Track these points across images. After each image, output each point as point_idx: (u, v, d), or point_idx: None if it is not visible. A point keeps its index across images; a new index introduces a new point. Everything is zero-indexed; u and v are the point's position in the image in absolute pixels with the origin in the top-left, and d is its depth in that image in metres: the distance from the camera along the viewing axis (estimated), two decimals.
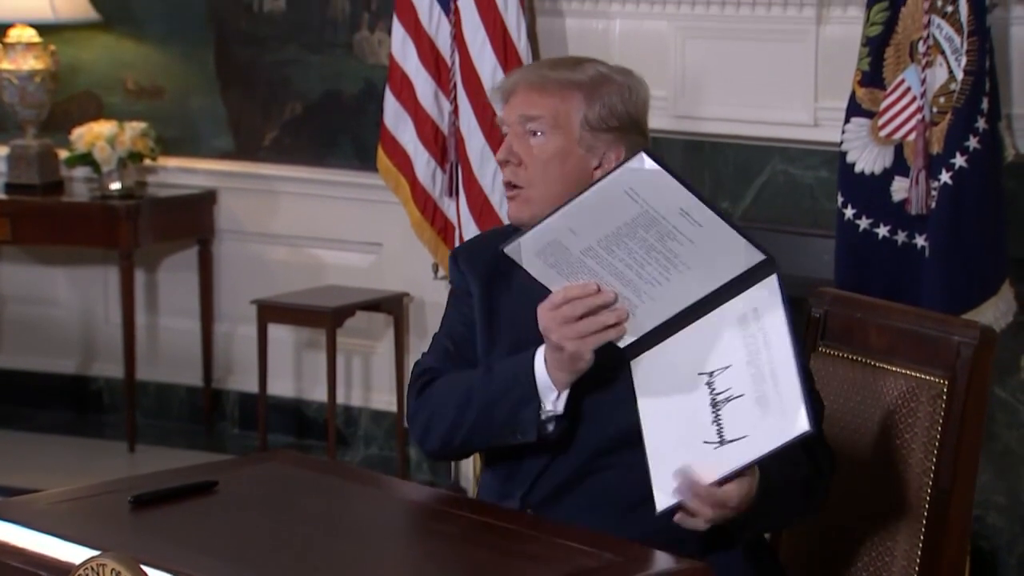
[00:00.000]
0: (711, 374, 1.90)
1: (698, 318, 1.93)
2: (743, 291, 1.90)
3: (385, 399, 4.80)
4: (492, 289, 2.20)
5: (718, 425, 1.87)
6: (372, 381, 4.86)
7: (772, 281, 1.91)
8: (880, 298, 2.48)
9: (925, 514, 2.14)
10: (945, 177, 3.32)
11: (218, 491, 2.10)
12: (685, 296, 1.92)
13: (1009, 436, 3.63)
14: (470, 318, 2.20)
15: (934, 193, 3.36)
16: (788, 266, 3.86)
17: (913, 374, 2.18)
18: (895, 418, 2.19)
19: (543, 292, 2.12)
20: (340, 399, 4.77)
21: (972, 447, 2.16)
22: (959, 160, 3.30)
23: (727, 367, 1.89)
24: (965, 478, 2.14)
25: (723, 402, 1.88)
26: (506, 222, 4.09)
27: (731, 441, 1.86)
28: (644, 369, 1.96)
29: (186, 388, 5.14)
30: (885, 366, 2.22)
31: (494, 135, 4.16)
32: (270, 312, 4.64)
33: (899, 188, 3.44)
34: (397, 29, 4.31)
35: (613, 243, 1.93)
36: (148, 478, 2.20)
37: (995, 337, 2.18)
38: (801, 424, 1.83)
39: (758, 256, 1.90)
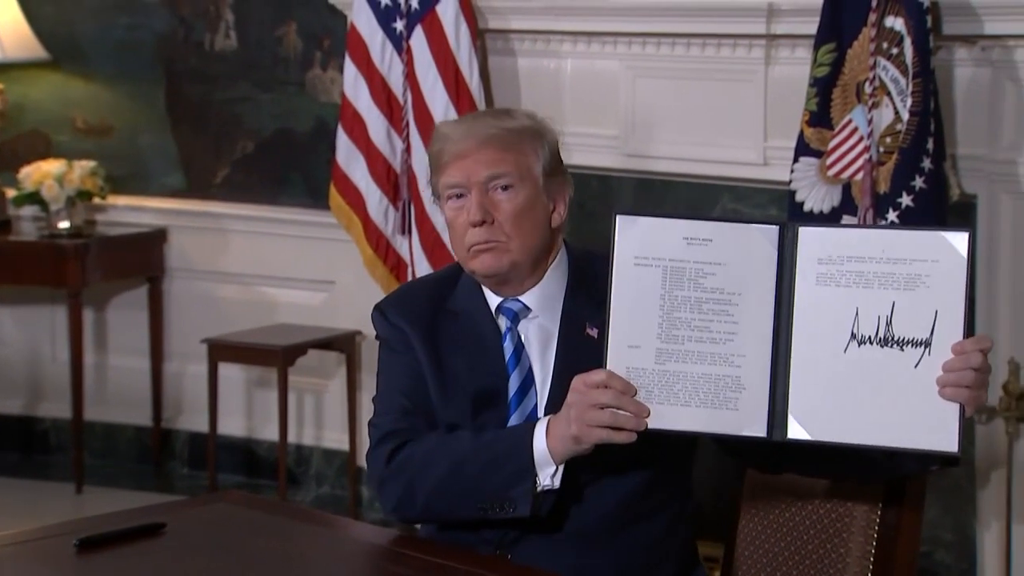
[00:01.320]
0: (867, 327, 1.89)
1: (791, 314, 1.90)
2: (795, 261, 1.90)
3: (337, 438, 4.78)
4: (435, 341, 2.17)
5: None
6: (324, 420, 4.85)
7: (805, 233, 1.90)
8: None
9: (872, 552, 2.15)
10: (892, 216, 3.37)
11: (166, 533, 2.09)
12: (763, 324, 1.91)
13: (956, 472, 3.66)
14: (417, 371, 2.17)
15: None
16: None
17: None
18: None
19: (493, 346, 2.12)
20: (291, 438, 4.76)
21: (917, 484, 2.17)
22: (906, 199, 3.36)
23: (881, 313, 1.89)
24: (911, 515, 2.14)
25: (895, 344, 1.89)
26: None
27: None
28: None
29: (135, 428, 5.10)
30: None
31: None
32: (221, 351, 4.62)
33: None
34: (349, 67, 4.33)
35: (669, 328, 1.92)
36: (95, 520, 2.18)
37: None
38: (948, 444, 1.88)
39: (773, 228, 1.91)
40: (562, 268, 2.17)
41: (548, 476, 2.01)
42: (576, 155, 4.00)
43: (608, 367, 1.94)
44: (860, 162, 3.46)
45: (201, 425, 4.83)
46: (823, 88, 3.50)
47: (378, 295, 4.52)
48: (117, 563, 2.00)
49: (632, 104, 4.10)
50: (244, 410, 4.95)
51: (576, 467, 2.03)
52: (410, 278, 4.30)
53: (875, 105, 3.43)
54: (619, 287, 1.93)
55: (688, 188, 4.07)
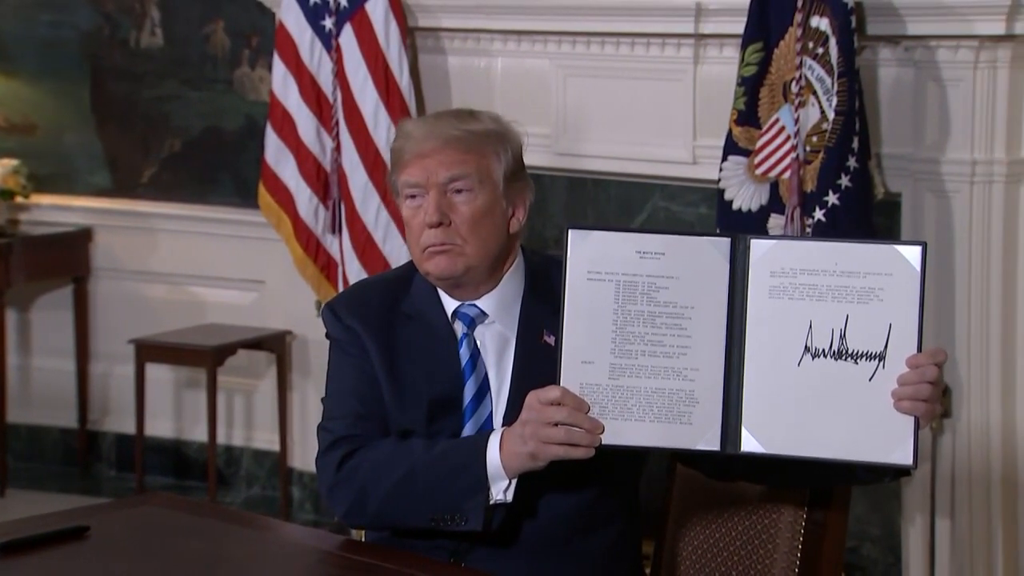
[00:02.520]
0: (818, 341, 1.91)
1: (745, 336, 1.91)
2: (747, 274, 1.92)
3: (267, 438, 4.76)
4: (389, 344, 2.14)
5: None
6: (254, 420, 4.82)
7: (757, 246, 1.92)
8: None
9: (800, 546, 2.17)
10: (819, 214, 3.41)
11: (90, 536, 2.07)
12: (716, 337, 1.92)
13: None
14: (371, 374, 2.13)
15: (809, 230, 3.45)
16: None
17: None
18: None
19: (448, 352, 2.11)
20: (221, 439, 4.72)
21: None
22: (832, 198, 3.40)
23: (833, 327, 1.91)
24: (838, 510, 2.16)
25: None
26: (391, 260, 4.15)
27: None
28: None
29: (60, 430, 5.04)
30: None
31: (377, 171, 4.17)
32: (148, 351, 4.58)
33: (775, 225, 3.52)
34: (278, 66, 4.31)
35: (623, 343, 1.92)
36: (18, 524, 2.15)
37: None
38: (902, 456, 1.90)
39: (724, 240, 1.92)
40: (519, 274, 2.16)
41: (501, 490, 2.01)
42: None
43: (562, 383, 1.94)
44: (787, 161, 3.50)
45: (128, 427, 4.78)
46: (751, 87, 3.54)
47: (308, 295, 4.51)
48: (40, 568, 1.98)
49: (563, 103, 4.12)
50: (172, 411, 4.91)
51: (529, 478, 2.03)
52: (340, 278, 4.29)
53: (801, 104, 3.47)
54: (572, 302, 1.94)
55: (619, 187, 4.10)
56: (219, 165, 4.83)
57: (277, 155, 4.34)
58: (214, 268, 4.84)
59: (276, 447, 4.69)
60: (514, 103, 4.15)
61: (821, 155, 3.44)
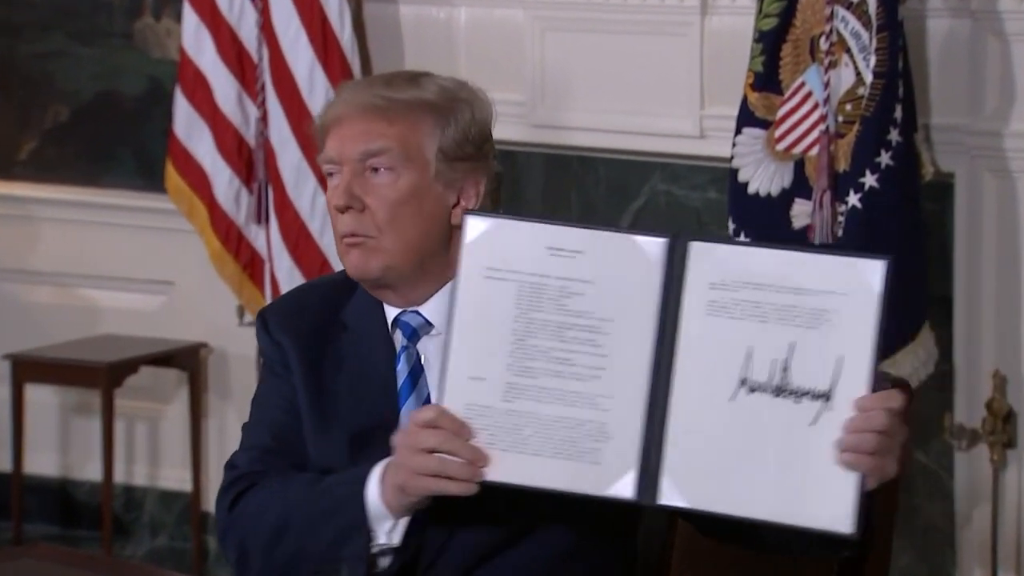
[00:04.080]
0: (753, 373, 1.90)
1: (673, 362, 1.90)
2: (683, 284, 1.90)
3: (177, 476, 4.77)
4: (318, 362, 2.15)
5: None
6: (161, 454, 4.83)
7: (698, 250, 1.90)
8: None
9: None
10: (853, 199, 3.45)
11: None
12: (639, 359, 1.90)
13: (932, 509, 3.76)
14: (292, 400, 2.15)
15: (841, 219, 3.48)
16: None
17: None
18: None
19: (384, 370, 2.12)
20: (119, 477, 4.73)
21: (885, 523, 2.19)
22: (869, 179, 3.43)
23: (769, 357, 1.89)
24: (878, 562, 2.17)
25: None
26: (330, 256, 4.17)
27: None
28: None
29: None
30: None
31: (313, 147, 4.18)
32: (28, 369, 4.58)
33: (800, 212, 3.56)
34: (189, 16, 4.33)
35: (522, 358, 1.91)
36: None
37: (912, 392, 2.22)
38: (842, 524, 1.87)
39: (659, 241, 1.90)
40: None
41: (385, 532, 2.01)
42: None
43: (444, 402, 1.93)
44: (815, 134, 3.53)
45: (2, 463, 4.78)
46: (770, 44, 3.57)
47: (228, 299, 4.53)
48: None
49: (540, 63, 4.14)
50: (58, 443, 4.91)
51: (486, 522, 2.04)
52: (267, 278, 4.31)
53: (832, 64, 3.51)
54: (463, 305, 1.93)
55: (610, 166, 4.12)
56: (116, 139, 4.84)
57: (189, 127, 4.36)
58: (110, 266, 4.85)
59: (188, 487, 4.70)
60: (480, 64, 4.17)
61: (856, 127, 3.48)
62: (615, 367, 1.90)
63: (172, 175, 4.41)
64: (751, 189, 3.59)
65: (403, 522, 2.01)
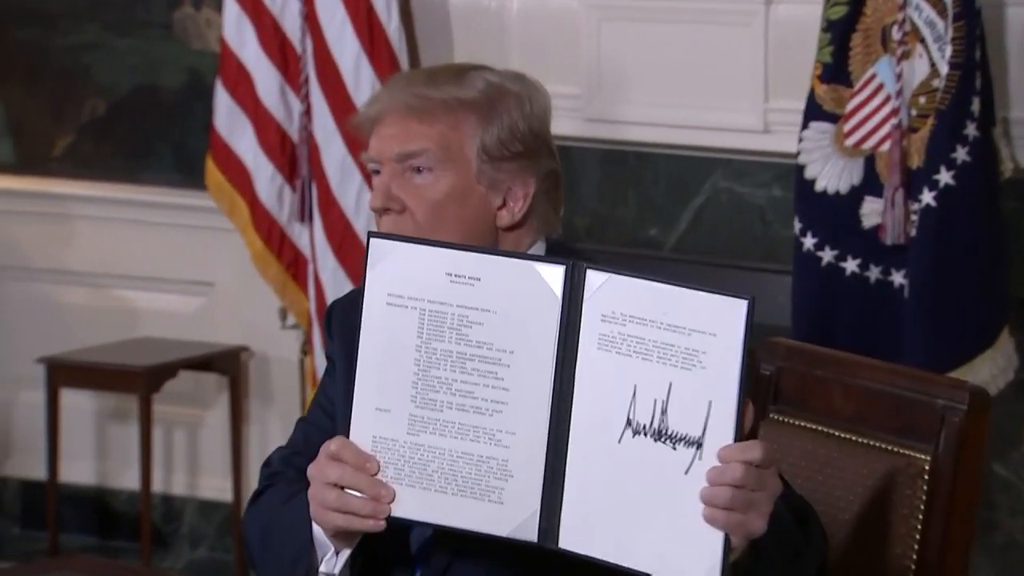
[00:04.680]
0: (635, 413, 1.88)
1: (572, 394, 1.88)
2: (580, 314, 1.87)
3: (217, 485, 4.78)
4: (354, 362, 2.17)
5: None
6: (200, 462, 4.85)
7: (593, 279, 1.88)
8: (847, 350, 2.55)
9: None
10: (928, 198, 3.43)
11: None
12: (539, 393, 1.88)
13: (1013, 525, 3.73)
14: (332, 400, 2.17)
15: (914, 218, 3.47)
16: None
17: (888, 448, 2.22)
18: (864, 504, 2.23)
19: None
20: (157, 486, 4.75)
21: (963, 540, 2.19)
22: (945, 176, 3.41)
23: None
24: None
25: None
26: None
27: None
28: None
29: None
30: (852, 437, 2.26)
31: (360, 143, 4.19)
32: (63, 373, 4.60)
33: (870, 211, 3.55)
34: (230, 6, 4.34)
35: (426, 390, 1.91)
36: None
37: (990, 401, 2.22)
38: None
39: (558, 268, 1.89)
40: None
41: (325, 560, 2.01)
42: None
43: (352, 435, 1.94)
44: (886, 128, 3.52)
45: (38, 471, 4.81)
46: (839, 34, 3.56)
47: (269, 300, 4.54)
48: None
49: (596, 54, 4.13)
50: (94, 451, 4.94)
51: (486, 554, 2.01)
52: (311, 279, 4.32)
53: (905, 55, 3.49)
54: (367, 332, 1.93)
55: (669, 162, 4.11)
56: (154, 134, 4.85)
57: (230, 121, 4.37)
58: (148, 267, 4.87)
59: (228, 496, 4.71)
60: (533, 55, 4.17)
61: (931, 121, 3.46)
62: (517, 401, 1.89)
63: (213, 171, 4.43)
64: (818, 186, 3.58)
65: (343, 556, 2.01)
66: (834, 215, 3.56)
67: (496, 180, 2.12)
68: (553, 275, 1.88)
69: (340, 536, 1.99)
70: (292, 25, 4.29)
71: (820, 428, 2.32)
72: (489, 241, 2.13)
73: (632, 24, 4.09)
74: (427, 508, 1.92)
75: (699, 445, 1.82)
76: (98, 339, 4.77)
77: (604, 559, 1.87)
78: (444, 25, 4.35)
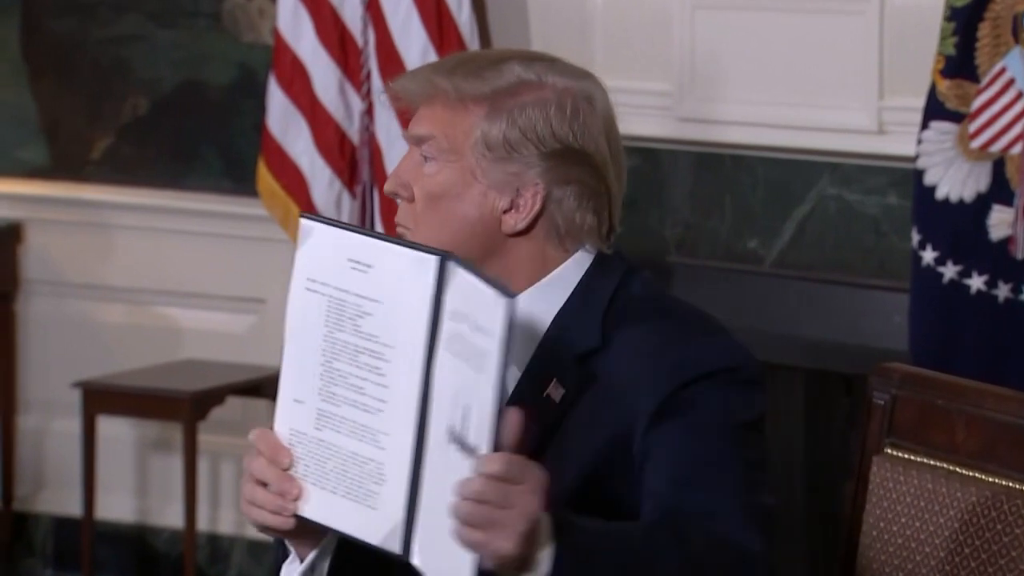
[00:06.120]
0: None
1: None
2: (442, 309, 1.92)
3: None
4: None
5: None
6: None
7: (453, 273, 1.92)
8: (971, 378, 2.53)
9: None
10: None
11: None
12: (411, 393, 1.92)
13: None
14: None
15: None
16: (840, 330, 4.01)
17: (1017, 486, 2.22)
18: (992, 549, 2.22)
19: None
20: (203, 524, 4.77)
21: None
22: None
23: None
24: None
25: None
26: None
27: None
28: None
29: None
30: (976, 474, 2.26)
31: None
32: (100, 399, 4.64)
33: (999, 221, 3.52)
34: None
35: (328, 383, 1.96)
36: None
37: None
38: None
39: (430, 259, 1.92)
40: (553, 295, 2.17)
41: (287, 566, 2.08)
42: None
43: (275, 426, 2.01)
44: (1018, 129, 3.49)
45: (72, 507, 4.84)
46: (964, 23, 3.53)
47: None
48: None
49: (690, 48, 4.13)
50: (134, 484, 4.97)
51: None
52: None
53: None
54: (290, 318, 2.00)
55: (770, 166, 4.09)
56: (201, 135, 4.88)
57: (284, 121, 4.39)
58: (193, 281, 4.89)
59: None
60: (620, 48, 4.17)
61: None
62: (393, 400, 1.93)
63: (264, 177, 4.45)
64: (940, 193, 3.56)
65: (306, 563, 2.05)
66: (958, 226, 3.53)
67: (500, 181, 2.15)
68: (427, 265, 1.92)
69: (296, 537, 2.04)
70: (353, 15, 4.31)
71: (940, 464, 2.31)
72: (487, 246, 2.15)
73: (729, 13, 4.09)
74: (324, 509, 1.97)
75: (475, 453, 1.87)
76: (138, 361, 4.80)
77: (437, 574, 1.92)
78: (520, 16, 4.35)
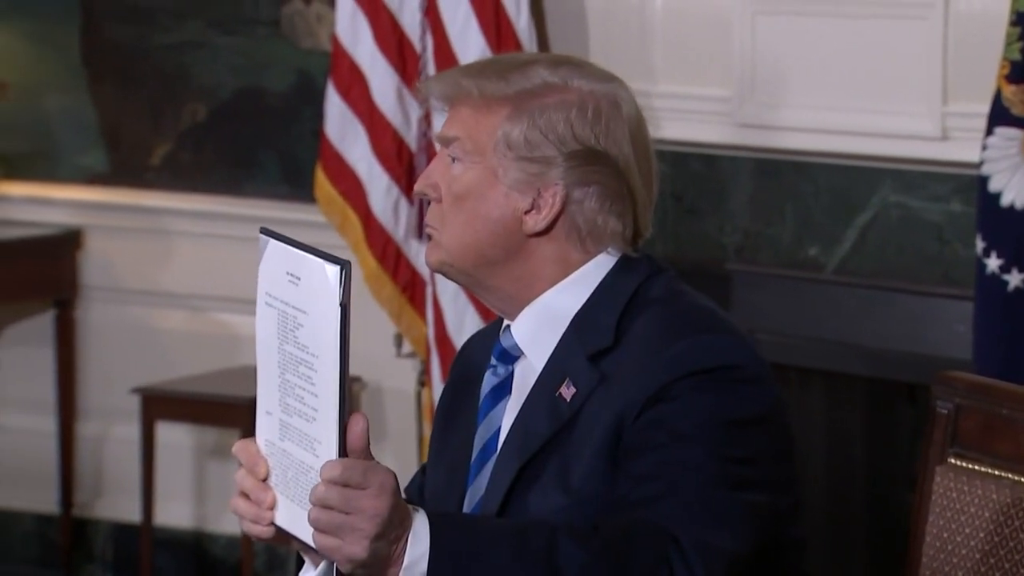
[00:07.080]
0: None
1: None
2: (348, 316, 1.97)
3: None
4: (460, 391, 2.29)
5: None
6: None
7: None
8: None
9: None
10: None
11: None
12: (332, 402, 1.95)
13: None
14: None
15: None
16: (902, 339, 3.99)
17: None
18: None
19: (477, 387, 2.22)
20: None
21: None
22: None
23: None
24: None
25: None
26: None
27: None
28: None
29: (35, 517, 5.13)
30: None
31: None
32: (159, 405, 4.65)
33: None
34: (344, 1, 4.37)
35: (284, 394, 2.01)
36: None
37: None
38: None
39: (336, 268, 1.95)
40: (577, 294, 2.20)
41: (308, 574, 2.10)
42: (669, 126, 4.01)
43: (256, 437, 2.06)
44: None
45: (131, 513, 4.86)
46: None
47: (383, 325, 4.55)
48: None
49: (750, 53, 4.11)
50: (193, 490, 4.98)
51: None
52: (429, 301, 4.32)
53: None
54: (258, 333, 2.06)
55: (832, 173, 4.07)
56: (260, 141, 4.90)
57: (342, 127, 4.39)
58: (252, 288, 4.87)
59: None
60: (679, 53, 4.16)
61: None
62: (322, 409, 1.98)
63: (323, 183, 4.45)
64: (1005, 200, 3.53)
65: (323, 565, 2.06)
66: (1023, 233, 3.50)
67: (521, 182, 2.18)
68: (332, 275, 1.95)
69: (285, 543, 2.08)
70: (411, 21, 4.31)
71: (1005, 474, 2.29)
72: (510, 246, 2.20)
73: (791, 18, 4.06)
74: (289, 519, 2.03)
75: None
76: (197, 368, 4.81)
77: None
78: (579, 22, 4.34)
